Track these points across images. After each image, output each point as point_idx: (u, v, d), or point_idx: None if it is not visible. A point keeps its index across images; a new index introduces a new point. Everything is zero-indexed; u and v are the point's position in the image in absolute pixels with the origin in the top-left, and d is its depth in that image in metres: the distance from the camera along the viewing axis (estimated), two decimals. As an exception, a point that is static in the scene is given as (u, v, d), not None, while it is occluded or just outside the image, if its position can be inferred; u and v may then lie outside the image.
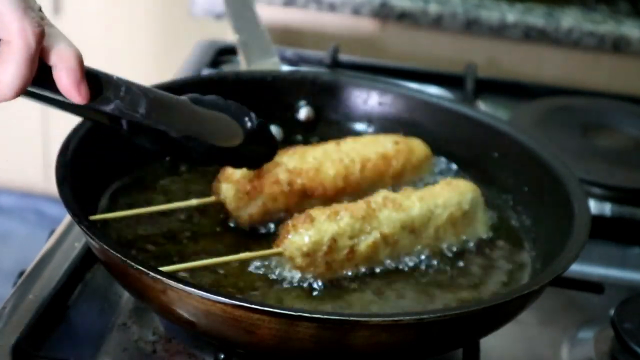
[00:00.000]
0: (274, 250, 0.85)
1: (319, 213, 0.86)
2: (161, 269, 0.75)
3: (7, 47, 0.66)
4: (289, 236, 0.85)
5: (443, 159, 1.09)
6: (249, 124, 0.85)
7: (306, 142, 1.11)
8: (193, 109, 0.81)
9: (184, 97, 0.81)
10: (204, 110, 0.82)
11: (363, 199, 0.90)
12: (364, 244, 0.86)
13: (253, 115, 0.86)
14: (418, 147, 1.04)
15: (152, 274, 0.73)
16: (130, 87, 0.75)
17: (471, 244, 0.95)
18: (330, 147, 0.99)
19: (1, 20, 0.66)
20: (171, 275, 0.73)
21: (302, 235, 0.84)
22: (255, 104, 1.09)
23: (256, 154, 0.88)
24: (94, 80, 0.72)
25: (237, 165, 0.89)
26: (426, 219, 0.90)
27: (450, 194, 0.93)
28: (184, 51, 1.56)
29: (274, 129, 1.11)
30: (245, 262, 0.86)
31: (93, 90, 0.71)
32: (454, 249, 0.93)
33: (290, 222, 0.86)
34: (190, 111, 0.81)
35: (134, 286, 0.78)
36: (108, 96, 0.73)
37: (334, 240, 0.85)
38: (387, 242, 0.88)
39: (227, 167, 0.93)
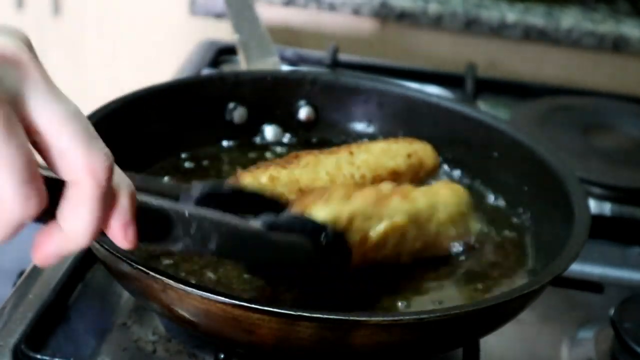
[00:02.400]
0: None
1: (335, 190, 0.84)
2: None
3: (75, 189, 0.56)
4: (307, 211, 0.81)
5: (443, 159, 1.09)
6: (324, 241, 0.79)
7: (306, 141, 1.12)
8: (267, 240, 0.74)
9: (258, 225, 0.74)
10: (278, 240, 0.75)
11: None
12: (376, 231, 0.85)
13: (329, 229, 0.79)
14: (428, 159, 1.03)
15: (152, 273, 0.73)
16: (202, 222, 0.68)
17: (470, 244, 0.94)
18: (343, 156, 0.98)
19: (65, 159, 0.56)
20: (171, 275, 0.73)
21: (320, 211, 0.81)
22: (255, 104, 1.10)
23: (329, 265, 0.80)
24: (162, 219, 0.65)
25: (306, 280, 0.82)
26: (430, 214, 0.90)
27: (449, 193, 0.93)
28: (184, 51, 1.56)
29: (274, 129, 1.11)
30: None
31: (160, 231, 0.65)
32: (453, 248, 0.93)
33: (305, 199, 0.82)
34: (264, 243, 0.74)
35: (134, 286, 0.78)
36: (177, 235, 0.66)
37: (351, 219, 0.82)
38: (395, 233, 0.87)
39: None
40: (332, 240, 0.79)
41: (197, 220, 0.67)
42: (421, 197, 0.90)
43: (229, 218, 0.72)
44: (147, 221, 0.63)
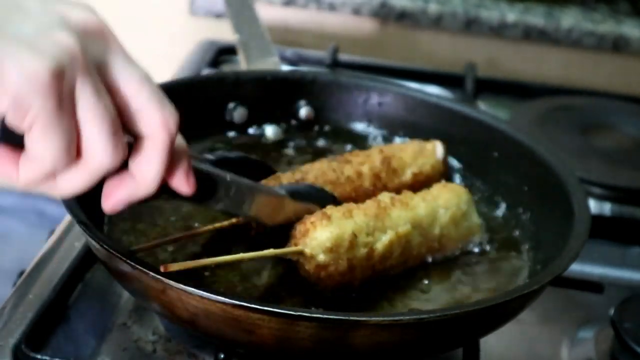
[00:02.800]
0: (294, 249, 0.83)
1: (334, 211, 0.84)
2: (169, 265, 0.74)
3: (150, 141, 0.65)
4: (310, 233, 0.82)
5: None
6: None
7: (306, 142, 1.11)
8: (293, 205, 0.86)
9: (282, 191, 0.85)
10: (299, 206, 0.86)
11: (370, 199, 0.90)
12: (381, 243, 0.85)
13: (336, 200, 0.91)
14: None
15: (152, 273, 0.73)
16: (240, 186, 0.78)
17: (471, 245, 0.94)
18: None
19: (142, 115, 0.65)
20: (171, 275, 0.73)
21: (323, 231, 0.82)
22: (255, 104, 1.10)
23: None
24: (209, 181, 0.74)
25: None
26: (432, 219, 0.90)
27: (448, 194, 0.93)
28: (184, 51, 1.56)
29: (275, 129, 1.11)
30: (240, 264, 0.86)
31: (207, 190, 0.74)
32: (455, 250, 0.93)
33: (306, 221, 0.83)
34: (289, 208, 0.85)
35: (134, 286, 0.78)
36: (219, 196, 0.75)
37: (354, 235, 0.83)
38: (400, 242, 0.87)
39: None
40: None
41: (236, 185, 0.77)
42: (421, 203, 0.90)
43: (259, 185, 0.84)
44: (197, 181, 0.70)
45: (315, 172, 0.94)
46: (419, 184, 0.99)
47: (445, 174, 1.04)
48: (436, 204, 0.91)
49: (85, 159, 0.63)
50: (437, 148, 1.03)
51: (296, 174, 0.93)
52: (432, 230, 0.90)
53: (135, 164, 0.65)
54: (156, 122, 0.65)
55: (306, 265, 0.82)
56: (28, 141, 0.61)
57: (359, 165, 0.96)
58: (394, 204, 0.88)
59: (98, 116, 0.61)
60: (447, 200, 0.92)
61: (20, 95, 0.58)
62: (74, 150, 0.62)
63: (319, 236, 0.82)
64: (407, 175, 0.99)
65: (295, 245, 0.83)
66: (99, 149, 0.62)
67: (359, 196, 0.94)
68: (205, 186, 0.73)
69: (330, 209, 0.85)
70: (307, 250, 0.82)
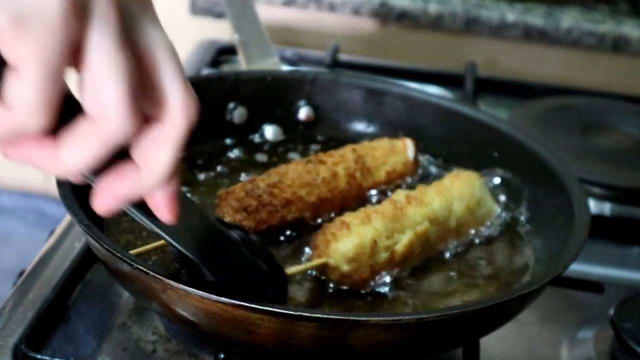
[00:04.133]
0: (319, 261, 0.83)
1: (352, 218, 0.85)
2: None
3: (165, 125, 0.52)
4: (332, 245, 0.83)
5: (442, 158, 1.09)
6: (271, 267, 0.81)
7: (306, 142, 1.11)
8: (246, 258, 0.77)
9: (239, 240, 0.77)
10: (249, 261, 0.78)
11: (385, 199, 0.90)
12: (401, 244, 0.86)
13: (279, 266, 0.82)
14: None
15: (152, 273, 0.73)
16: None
17: (471, 244, 0.94)
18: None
19: (162, 93, 0.52)
20: (171, 275, 0.73)
21: (344, 242, 0.82)
22: (255, 104, 1.10)
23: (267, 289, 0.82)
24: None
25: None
26: (448, 212, 0.91)
27: (462, 185, 0.93)
28: (184, 51, 1.56)
29: (274, 129, 1.11)
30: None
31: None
32: (457, 248, 0.93)
33: (326, 232, 0.84)
34: (241, 259, 0.77)
35: (134, 286, 0.78)
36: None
37: (374, 241, 0.83)
38: (419, 240, 0.87)
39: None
40: (276, 269, 0.80)
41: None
42: (436, 197, 0.91)
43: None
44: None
45: (291, 175, 0.94)
46: (392, 182, 1.01)
47: (416, 171, 1.04)
48: (450, 196, 0.92)
49: (93, 122, 0.49)
50: (407, 146, 1.03)
51: (272, 176, 0.93)
52: (448, 223, 0.91)
53: (143, 150, 0.52)
54: (178, 105, 0.52)
55: (330, 276, 0.84)
56: (9, 79, 0.47)
57: (333, 165, 0.97)
58: (410, 202, 0.89)
59: (117, 68, 0.48)
60: (461, 191, 0.93)
61: (22, 10, 0.45)
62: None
63: (341, 247, 0.83)
64: (381, 174, 1.00)
65: (319, 256, 0.84)
66: (113, 110, 0.48)
67: (335, 197, 0.94)
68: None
69: (347, 216, 0.85)
70: (331, 262, 0.83)
